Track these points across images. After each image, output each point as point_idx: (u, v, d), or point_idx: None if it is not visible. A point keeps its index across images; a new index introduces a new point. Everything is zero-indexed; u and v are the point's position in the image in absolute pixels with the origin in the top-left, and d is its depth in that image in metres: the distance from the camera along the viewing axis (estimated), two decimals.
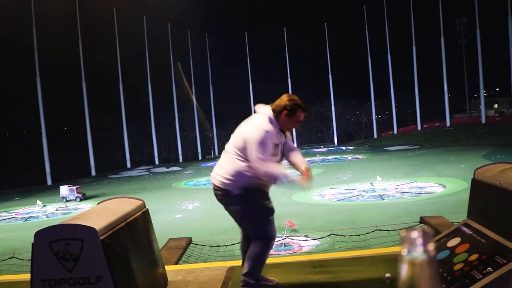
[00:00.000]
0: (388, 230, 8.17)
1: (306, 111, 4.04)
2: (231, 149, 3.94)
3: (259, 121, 3.96)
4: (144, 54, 42.93)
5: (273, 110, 4.01)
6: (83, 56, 36.39)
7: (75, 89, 35.94)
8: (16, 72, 30.21)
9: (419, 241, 0.85)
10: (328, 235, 8.71)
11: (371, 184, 18.86)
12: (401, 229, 7.53)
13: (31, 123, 32.46)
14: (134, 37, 41.42)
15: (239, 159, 3.89)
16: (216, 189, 4.01)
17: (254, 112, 4.04)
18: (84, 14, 36.40)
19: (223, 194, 3.97)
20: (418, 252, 0.85)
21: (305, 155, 33.45)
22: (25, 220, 17.15)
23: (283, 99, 4.00)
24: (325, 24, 56.60)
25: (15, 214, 18.77)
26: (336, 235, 8.60)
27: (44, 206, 20.36)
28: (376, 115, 59.98)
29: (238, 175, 3.89)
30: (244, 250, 4.26)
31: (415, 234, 0.86)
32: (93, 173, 36.30)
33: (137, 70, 41.81)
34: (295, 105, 3.96)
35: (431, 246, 0.85)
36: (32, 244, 3.26)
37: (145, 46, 43.10)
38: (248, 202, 3.95)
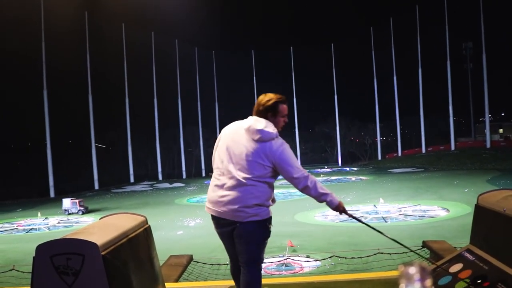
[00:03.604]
0: (390, 253, 8.11)
1: (285, 102, 4.06)
2: (247, 175, 3.85)
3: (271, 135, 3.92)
4: (151, 69, 43.15)
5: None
6: (90, 70, 36.62)
7: (81, 103, 36.09)
8: (23, 85, 30.41)
9: (417, 276, 0.85)
10: (330, 257, 8.65)
11: (374, 206, 18.78)
12: (403, 252, 7.47)
13: (36, 135, 32.55)
14: (142, 52, 41.68)
15: (260, 182, 3.85)
16: (239, 222, 3.92)
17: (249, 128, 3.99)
18: (92, 29, 36.71)
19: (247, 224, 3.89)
20: None
21: None
22: (27, 232, 17.12)
23: (260, 103, 4.01)
24: (332, 44, 56.91)
25: (16, 226, 18.74)
26: (338, 256, 8.54)
27: (46, 218, 20.33)
28: (380, 137, 59.95)
29: (265, 200, 3.86)
30: (236, 275, 4.20)
31: (412, 270, 0.86)
32: (96, 186, 36.29)
33: (143, 86, 42.01)
34: (274, 102, 3.98)
35: (428, 282, 0.85)
36: (34, 257, 3.25)
37: (152, 61, 43.34)
38: (264, 224, 3.90)
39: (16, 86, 29.36)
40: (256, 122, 3.85)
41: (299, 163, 3.90)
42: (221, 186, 3.87)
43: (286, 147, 3.85)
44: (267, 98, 3.99)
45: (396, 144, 56.78)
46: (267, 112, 3.93)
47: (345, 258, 8.37)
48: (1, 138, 30.31)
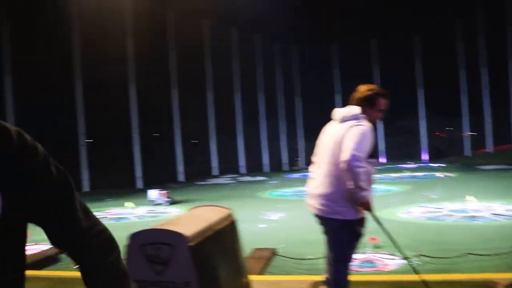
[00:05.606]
0: (480, 255, 7.77)
1: (385, 97, 3.86)
2: (331, 164, 3.74)
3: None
4: (231, 64, 43.73)
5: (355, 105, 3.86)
6: (176, 65, 37.68)
7: (166, 96, 37.27)
8: (111, 78, 31.81)
9: None
10: (415, 256, 8.40)
11: (462, 204, 18.04)
12: (495, 254, 7.13)
13: (123, 128, 33.99)
14: (223, 47, 42.33)
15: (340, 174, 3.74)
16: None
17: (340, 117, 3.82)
18: (176, 26, 37.69)
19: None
20: None
21: (392, 170, 32.37)
22: (117, 221, 17.91)
23: (359, 91, 3.84)
24: (416, 35, 55.08)
25: (107, 214, 19.64)
26: (424, 255, 8.28)
27: (134, 208, 21.15)
28: (469, 132, 57.40)
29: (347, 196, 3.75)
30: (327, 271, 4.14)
31: None
32: (181, 179, 37.33)
33: (225, 80, 42.69)
34: (374, 93, 3.79)
35: None
36: (126, 245, 3.40)
37: (232, 56, 43.88)
38: (349, 225, 3.80)
39: (104, 79, 30.82)
40: (345, 109, 3.76)
41: (365, 154, 3.69)
42: (312, 179, 3.85)
43: (362, 131, 3.67)
44: (367, 88, 3.87)
45: (486, 139, 54.14)
46: (363, 102, 3.81)
47: (432, 257, 8.10)
48: (91, 131, 31.93)
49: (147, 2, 32.11)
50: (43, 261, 9.52)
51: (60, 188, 1.78)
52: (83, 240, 1.85)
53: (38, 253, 10.33)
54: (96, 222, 1.96)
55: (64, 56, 29.99)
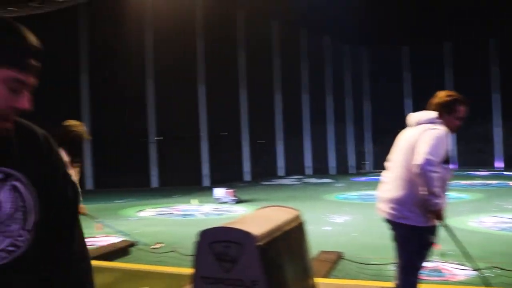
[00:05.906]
0: None
1: (465, 104, 3.77)
2: (404, 167, 3.69)
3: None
4: (299, 65, 43.63)
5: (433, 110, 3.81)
6: (245, 65, 38.03)
7: (235, 96, 37.68)
8: (181, 77, 32.53)
9: None
10: (487, 267, 8.07)
11: None
12: None
13: (191, 126, 34.64)
14: (292, 48, 42.33)
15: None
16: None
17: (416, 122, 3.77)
18: (246, 27, 38.02)
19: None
20: None
21: (464, 177, 31.17)
22: (183, 217, 18.30)
23: (438, 96, 3.78)
24: (492, 38, 52.82)
25: (174, 210, 20.10)
26: (497, 268, 7.94)
27: (200, 205, 21.52)
28: None
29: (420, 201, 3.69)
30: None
31: None
32: (247, 178, 37.63)
33: (293, 81, 42.65)
34: (453, 99, 3.72)
35: None
36: (196, 242, 3.47)
37: (300, 57, 43.75)
38: (417, 232, 3.76)
39: (173, 81, 31.69)
40: (421, 113, 3.71)
41: (439, 158, 3.58)
42: (384, 183, 3.81)
43: (437, 134, 3.59)
44: (447, 93, 3.82)
45: None
46: (442, 107, 3.75)
47: (506, 270, 7.75)
48: (161, 128, 32.89)
49: (217, 2, 32.62)
50: (114, 253, 9.89)
51: (70, 197, 1.83)
52: (67, 262, 1.80)
53: (109, 245, 10.78)
54: (82, 247, 1.91)
55: (137, 55, 31.07)
